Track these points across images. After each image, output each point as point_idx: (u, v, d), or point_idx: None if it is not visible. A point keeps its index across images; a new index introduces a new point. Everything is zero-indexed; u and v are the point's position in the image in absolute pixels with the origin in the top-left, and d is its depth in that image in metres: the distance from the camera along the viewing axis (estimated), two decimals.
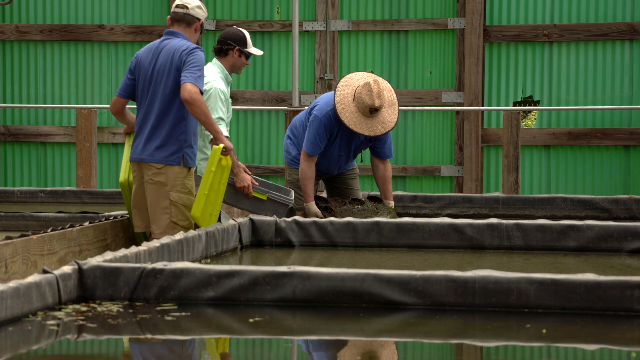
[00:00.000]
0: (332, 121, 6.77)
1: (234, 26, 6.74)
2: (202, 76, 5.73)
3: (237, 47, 6.50)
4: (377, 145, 6.90)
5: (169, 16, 5.96)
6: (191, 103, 5.63)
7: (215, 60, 6.58)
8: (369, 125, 6.62)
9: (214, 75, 6.47)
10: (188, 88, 5.64)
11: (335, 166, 7.02)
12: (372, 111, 6.59)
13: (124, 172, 6.09)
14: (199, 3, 5.95)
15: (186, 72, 5.67)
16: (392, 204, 6.95)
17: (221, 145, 5.77)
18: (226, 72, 6.55)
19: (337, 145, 6.86)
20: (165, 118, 5.78)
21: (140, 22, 11.36)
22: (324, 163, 6.94)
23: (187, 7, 5.88)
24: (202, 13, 5.94)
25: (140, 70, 5.87)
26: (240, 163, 6.24)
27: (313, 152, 6.80)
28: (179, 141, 5.79)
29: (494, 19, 10.88)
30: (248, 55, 6.56)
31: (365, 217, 6.63)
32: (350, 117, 6.62)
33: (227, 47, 6.52)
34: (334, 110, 6.73)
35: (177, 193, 5.78)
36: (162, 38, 5.91)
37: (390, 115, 6.66)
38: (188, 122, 5.83)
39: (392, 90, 6.79)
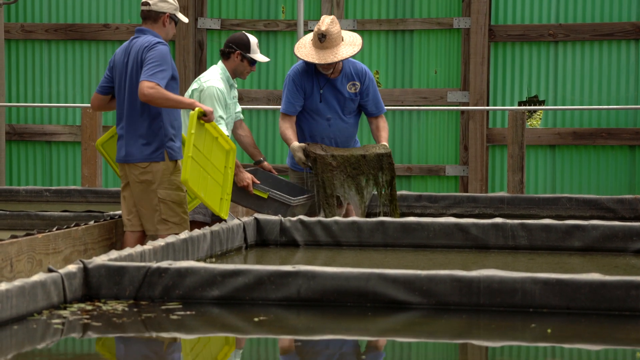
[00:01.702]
0: (300, 73, 6.67)
1: (243, 31, 6.71)
2: (160, 70, 5.67)
3: (238, 51, 6.49)
4: (362, 102, 6.74)
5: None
6: (150, 100, 5.64)
7: (220, 62, 6.60)
8: (321, 55, 6.50)
9: (215, 76, 6.48)
10: (141, 88, 5.64)
11: (333, 134, 6.74)
12: (321, 38, 6.45)
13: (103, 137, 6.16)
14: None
15: (144, 69, 5.67)
16: (384, 144, 6.72)
17: (196, 109, 5.71)
18: (228, 74, 6.55)
19: (321, 105, 6.68)
20: (141, 117, 5.79)
21: None
22: (318, 131, 6.73)
23: (149, 4, 5.91)
24: (166, 6, 5.91)
25: (115, 71, 5.92)
26: (239, 162, 6.25)
27: (286, 109, 6.70)
28: (159, 137, 5.78)
29: (499, 19, 10.88)
30: (251, 61, 6.52)
31: (348, 155, 6.50)
32: (304, 51, 6.55)
33: (229, 50, 6.52)
34: (300, 63, 6.71)
35: (164, 190, 5.77)
36: (132, 37, 5.93)
37: (347, 50, 6.53)
38: (164, 117, 5.82)
39: (357, 36, 6.66)
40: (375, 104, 6.81)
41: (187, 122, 5.91)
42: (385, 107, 10.29)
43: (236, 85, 6.68)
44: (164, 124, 5.81)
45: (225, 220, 5.87)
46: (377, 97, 6.82)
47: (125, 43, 5.93)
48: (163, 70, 5.65)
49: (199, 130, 5.71)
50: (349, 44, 6.55)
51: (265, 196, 6.27)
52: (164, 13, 5.88)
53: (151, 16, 5.87)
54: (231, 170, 5.92)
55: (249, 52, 6.51)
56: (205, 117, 5.70)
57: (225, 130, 6.30)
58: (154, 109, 5.79)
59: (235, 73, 6.58)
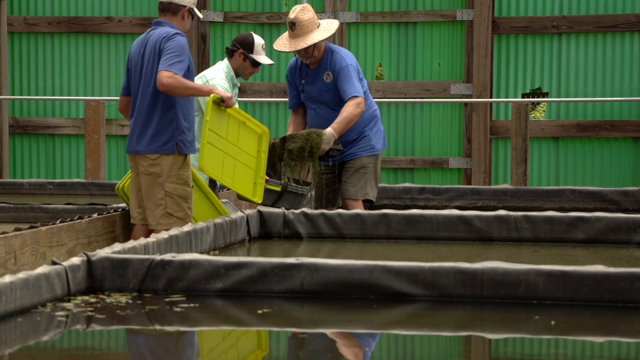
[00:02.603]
0: (291, 67, 6.70)
1: (252, 32, 6.69)
2: (179, 60, 5.67)
3: (241, 51, 6.48)
4: (338, 86, 6.57)
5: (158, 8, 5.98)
6: (168, 89, 5.64)
7: (225, 59, 6.61)
8: (292, 43, 6.49)
9: (219, 73, 6.48)
10: (159, 77, 5.65)
11: (320, 124, 6.60)
12: (292, 26, 6.44)
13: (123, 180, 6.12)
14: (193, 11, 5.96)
15: (162, 59, 5.68)
16: (328, 130, 6.38)
17: (212, 95, 5.72)
18: (232, 73, 6.55)
19: (303, 96, 6.65)
20: (154, 108, 5.79)
21: (149, 14, 11.36)
22: (310, 122, 6.71)
23: None
24: (187, 0, 5.92)
25: (131, 64, 5.92)
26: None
27: (289, 105, 6.79)
28: (170, 129, 5.78)
29: (503, 11, 10.86)
30: (254, 62, 6.51)
31: (296, 146, 6.43)
32: (279, 42, 6.55)
33: (233, 48, 6.52)
34: (293, 58, 6.74)
35: (172, 184, 5.77)
36: (149, 29, 5.93)
37: (318, 35, 6.48)
38: (178, 109, 5.81)
39: (334, 22, 6.59)
40: (345, 86, 6.48)
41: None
42: (389, 100, 10.37)
43: (239, 85, 6.66)
44: (176, 116, 5.80)
45: (257, 205, 5.88)
46: (345, 86, 6.46)
47: (142, 35, 5.92)
48: (181, 61, 5.66)
49: (219, 117, 5.73)
50: (323, 30, 6.52)
51: (279, 189, 6.27)
52: (184, 6, 5.88)
53: (171, 9, 5.87)
54: (265, 154, 5.93)
55: (252, 53, 6.50)
56: (223, 102, 5.73)
57: None
58: (168, 102, 5.78)
59: (238, 72, 6.58)
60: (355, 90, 6.46)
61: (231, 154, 5.81)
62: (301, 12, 6.48)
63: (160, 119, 5.78)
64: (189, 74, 5.79)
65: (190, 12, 5.91)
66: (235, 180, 5.85)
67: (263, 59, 6.54)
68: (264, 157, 5.95)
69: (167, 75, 5.62)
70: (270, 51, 11.16)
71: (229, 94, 5.76)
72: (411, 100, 10.58)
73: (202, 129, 5.73)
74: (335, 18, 11.08)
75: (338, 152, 6.47)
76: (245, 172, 5.90)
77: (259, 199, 5.93)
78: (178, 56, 5.67)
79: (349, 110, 6.40)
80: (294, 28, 6.45)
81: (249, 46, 6.50)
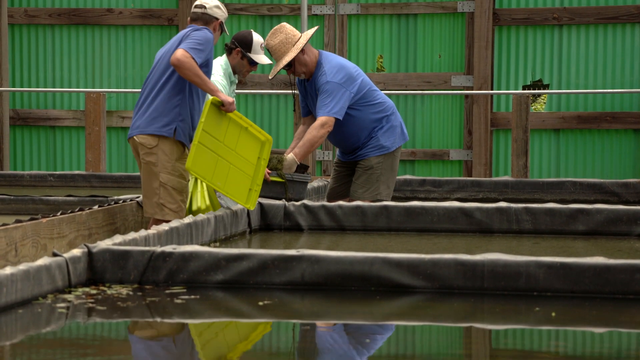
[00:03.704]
0: (297, 78, 6.69)
1: (252, 30, 6.67)
2: (200, 49, 5.65)
3: (239, 49, 6.46)
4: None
5: (189, 17, 5.99)
6: (178, 65, 5.60)
7: (224, 55, 6.59)
8: (274, 67, 6.53)
9: (218, 70, 6.46)
10: (175, 52, 5.63)
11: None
12: (270, 53, 6.46)
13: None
14: (218, 3, 5.95)
15: (183, 42, 5.68)
16: (289, 156, 6.30)
17: (212, 98, 5.68)
18: (230, 70, 6.54)
19: (312, 108, 6.62)
20: (162, 91, 5.78)
21: (149, 6, 11.35)
22: None
23: (204, 7, 5.93)
24: (220, 13, 5.94)
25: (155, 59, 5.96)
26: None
27: (301, 113, 6.78)
28: (173, 114, 5.76)
29: (504, 2, 10.85)
30: (251, 61, 6.48)
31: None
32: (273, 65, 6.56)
33: (231, 46, 6.50)
34: None
35: (166, 175, 5.75)
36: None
37: (286, 58, 6.42)
38: (185, 97, 5.79)
39: (305, 35, 6.47)
40: (318, 108, 6.46)
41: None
42: (389, 92, 10.35)
43: (237, 81, 6.64)
44: (182, 103, 5.77)
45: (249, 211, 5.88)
46: (320, 102, 6.43)
47: None
48: (201, 51, 5.65)
49: (218, 120, 5.67)
50: (295, 49, 6.43)
51: (282, 180, 6.25)
52: (217, 19, 5.91)
53: (203, 19, 5.91)
54: (265, 162, 5.87)
55: (250, 52, 6.45)
56: (223, 107, 5.69)
57: None
58: (177, 86, 5.75)
59: (235, 70, 6.54)
60: (325, 110, 6.40)
61: (226, 157, 5.73)
62: (271, 37, 6.46)
63: (166, 101, 5.77)
64: (207, 70, 5.78)
65: (221, 25, 5.95)
66: (228, 184, 5.75)
67: (261, 58, 6.49)
68: (264, 164, 5.88)
69: (182, 54, 5.60)
70: None
71: (230, 99, 5.72)
72: (412, 92, 10.58)
73: (196, 129, 5.65)
74: (335, 10, 11.07)
75: (306, 170, 6.46)
76: (240, 177, 5.80)
77: (251, 205, 5.86)
78: (200, 44, 5.67)
79: (312, 133, 6.36)
80: (272, 54, 6.49)
81: (247, 45, 6.45)
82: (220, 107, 5.67)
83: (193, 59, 5.60)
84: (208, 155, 5.62)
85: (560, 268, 4.06)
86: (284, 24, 6.54)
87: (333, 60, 6.53)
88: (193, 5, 6.01)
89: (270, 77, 6.55)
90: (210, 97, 5.70)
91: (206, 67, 5.76)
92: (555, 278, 4.06)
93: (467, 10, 10.81)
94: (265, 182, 6.16)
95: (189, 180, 5.88)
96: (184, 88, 5.77)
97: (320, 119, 6.38)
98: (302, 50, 6.44)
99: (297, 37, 6.47)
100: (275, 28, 6.49)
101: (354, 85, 6.50)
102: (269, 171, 6.21)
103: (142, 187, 5.85)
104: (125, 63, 11.40)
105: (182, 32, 5.85)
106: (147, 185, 5.79)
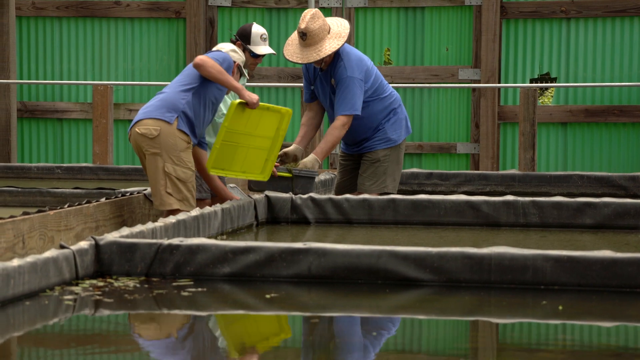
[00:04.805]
0: (306, 64, 6.59)
1: (254, 22, 6.64)
2: (219, 61, 5.79)
3: (239, 42, 6.44)
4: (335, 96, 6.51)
5: None
6: (200, 64, 5.73)
7: None
8: (304, 53, 6.37)
9: (233, 49, 6.46)
10: (198, 57, 5.82)
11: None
12: (303, 36, 6.32)
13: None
14: (234, 47, 6.08)
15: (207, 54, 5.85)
16: (311, 156, 6.32)
17: (237, 101, 5.82)
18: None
19: (321, 97, 6.57)
20: (175, 85, 5.87)
21: None
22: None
23: (221, 52, 6.01)
24: (237, 56, 6.06)
25: None
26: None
27: (304, 98, 6.71)
28: (179, 103, 5.79)
29: None
30: (253, 53, 6.43)
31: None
32: (290, 49, 6.43)
33: (234, 40, 6.48)
34: None
35: (171, 165, 5.77)
36: None
37: (330, 45, 6.36)
38: (194, 97, 5.81)
39: (344, 25, 6.45)
40: (341, 101, 6.40)
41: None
42: (397, 85, 10.34)
43: (247, 77, 6.59)
44: (190, 100, 5.80)
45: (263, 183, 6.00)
46: (338, 100, 6.40)
47: None
48: (220, 63, 5.78)
49: (240, 115, 5.82)
50: (335, 36, 6.38)
51: (290, 175, 6.25)
52: (234, 62, 6.01)
53: None
54: (283, 133, 5.97)
55: (249, 44, 6.42)
56: (247, 105, 5.82)
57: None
58: (190, 83, 5.82)
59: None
60: (347, 107, 6.37)
61: (245, 143, 5.89)
62: (311, 20, 6.34)
63: (175, 92, 5.82)
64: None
65: (239, 68, 6.03)
66: (245, 165, 5.91)
67: (261, 49, 6.44)
68: (282, 135, 5.97)
69: (206, 57, 5.78)
70: (277, 42, 11.15)
71: (255, 98, 5.79)
72: (419, 85, 10.57)
73: (219, 132, 5.82)
74: (343, 2, 11.05)
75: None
76: (257, 154, 5.95)
77: (266, 176, 5.95)
78: (221, 59, 5.82)
79: (334, 134, 6.33)
80: (305, 38, 6.33)
81: (246, 37, 6.42)
82: (245, 105, 5.80)
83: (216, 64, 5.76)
84: (228, 149, 5.82)
85: (567, 261, 4.05)
86: (318, 10, 6.50)
87: (352, 53, 6.50)
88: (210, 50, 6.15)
89: (299, 62, 6.36)
90: (231, 100, 5.78)
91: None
92: (563, 271, 4.05)
93: (475, 4, 10.79)
94: (273, 177, 6.17)
95: (194, 170, 5.89)
96: (199, 90, 5.82)
97: (341, 119, 6.36)
98: None
99: (328, 26, 6.42)
100: (313, 12, 6.39)
101: (370, 79, 6.51)
102: (278, 164, 6.21)
103: (149, 180, 5.87)
104: (133, 56, 11.41)
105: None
106: (153, 176, 5.80)
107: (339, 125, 6.35)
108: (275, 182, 6.20)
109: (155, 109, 5.81)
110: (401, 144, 6.67)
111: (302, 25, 6.33)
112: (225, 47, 6.08)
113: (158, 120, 5.75)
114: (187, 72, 5.88)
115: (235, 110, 5.81)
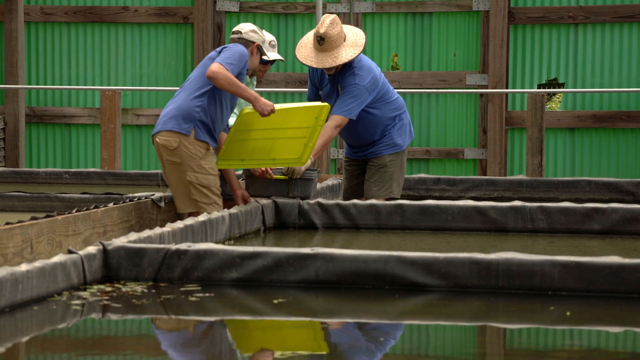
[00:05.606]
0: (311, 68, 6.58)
1: (263, 29, 6.63)
2: (233, 63, 5.77)
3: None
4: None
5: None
6: (213, 77, 5.71)
7: None
8: (320, 58, 6.37)
9: None
10: (211, 67, 5.76)
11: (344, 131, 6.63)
12: (320, 41, 6.31)
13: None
14: (254, 27, 6.05)
15: (218, 57, 5.77)
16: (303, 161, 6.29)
17: (246, 110, 5.84)
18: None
19: (326, 101, 6.53)
20: (189, 91, 5.86)
21: (165, 4, 11.37)
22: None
23: (240, 32, 6.06)
24: (257, 37, 6.03)
25: None
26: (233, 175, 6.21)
27: (307, 98, 6.71)
28: (194, 112, 5.80)
29: (519, 1, 10.82)
30: (262, 60, 6.38)
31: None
32: (304, 52, 6.43)
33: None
34: None
35: (193, 173, 5.79)
36: None
37: (347, 53, 6.36)
38: (209, 100, 5.82)
39: (360, 35, 6.46)
40: (341, 103, 6.40)
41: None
42: (404, 90, 10.34)
43: (255, 84, 6.59)
44: (205, 107, 5.82)
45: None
46: (341, 100, 6.40)
47: None
48: (234, 65, 5.77)
49: (253, 118, 5.86)
50: (351, 45, 6.39)
51: (286, 178, 6.25)
52: (253, 42, 5.98)
53: (240, 43, 5.98)
54: (322, 122, 6.00)
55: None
56: (265, 114, 5.82)
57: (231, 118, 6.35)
58: (203, 90, 5.82)
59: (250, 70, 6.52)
60: (344, 110, 6.37)
61: (268, 136, 5.93)
62: (330, 26, 6.34)
63: (188, 101, 5.82)
64: (239, 79, 5.86)
65: (259, 49, 6.00)
66: (273, 153, 5.97)
67: (269, 55, 6.45)
68: (321, 124, 6.01)
69: (217, 66, 5.73)
70: (285, 47, 11.16)
71: (268, 107, 5.77)
72: (427, 90, 10.56)
73: (229, 133, 5.86)
74: (350, 8, 11.06)
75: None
76: (291, 143, 5.98)
77: (304, 161, 6.05)
78: (234, 59, 5.79)
79: (328, 133, 6.31)
80: (322, 43, 6.33)
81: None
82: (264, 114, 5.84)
83: (227, 70, 5.71)
84: (241, 146, 5.87)
85: (575, 267, 4.05)
86: (336, 16, 6.50)
87: (362, 61, 6.51)
88: (231, 32, 6.11)
89: (314, 66, 6.35)
90: (250, 99, 5.77)
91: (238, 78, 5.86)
92: (570, 277, 4.05)
93: (483, 9, 10.79)
94: (269, 180, 6.18)
95: (217, 174, 5.91)
96: (213, 96, 5.83)
97: (336, 119, 6.35)
98: None
99: (344, 34, 6.42)
100: (332, 18, 6.38)
101: (377, 88, 6.51)
102: (273, 168, 6.21)
103: (169, 186, 5.89)
104: (141, 61, 11.43)
105: (219, 47, 5.97)
106: (175, 184, 5.83)
107: (333, 125, 6.35)
108: (272, 185, 6.20)
109: (170, 119, 5.82)
110: (405, 149, 6.69)
111: (322, 30, 6.33)
112: (245, 28, 6.05)
113: (175, 133, 5.78)
114: (201, 73, 5.88)
115: (243, 118, 5.84)
